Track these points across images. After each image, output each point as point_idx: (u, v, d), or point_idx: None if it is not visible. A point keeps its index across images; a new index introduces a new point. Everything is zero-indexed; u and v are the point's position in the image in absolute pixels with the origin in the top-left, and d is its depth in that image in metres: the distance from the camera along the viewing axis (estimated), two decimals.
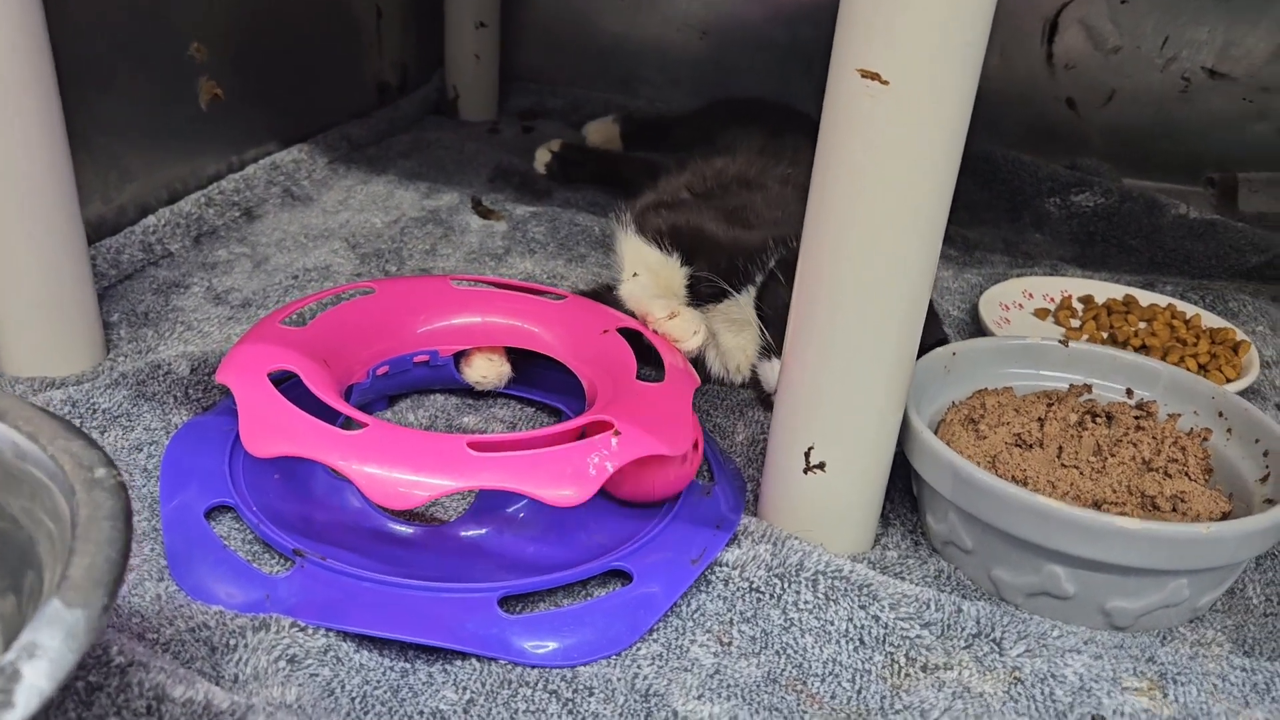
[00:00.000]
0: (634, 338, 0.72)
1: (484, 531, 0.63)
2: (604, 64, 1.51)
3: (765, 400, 0.80)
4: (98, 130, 0.88)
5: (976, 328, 0.95)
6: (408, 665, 0.54)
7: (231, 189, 1.03)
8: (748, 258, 0.80)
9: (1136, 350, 0.89)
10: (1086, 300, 0.99)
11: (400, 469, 0.54)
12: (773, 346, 0.77)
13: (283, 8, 1.12)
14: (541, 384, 0.78)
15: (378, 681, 0.52)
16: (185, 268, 0.93)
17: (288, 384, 0.62)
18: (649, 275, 0.78)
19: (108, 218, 0.91)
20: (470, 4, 1.40)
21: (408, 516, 0.63)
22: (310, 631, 0.53)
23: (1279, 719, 0.54)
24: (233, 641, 0.52)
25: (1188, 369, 0.86)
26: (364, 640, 0.54)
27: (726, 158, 0.94)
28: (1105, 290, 1.00)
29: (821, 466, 0.63)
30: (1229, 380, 0.85)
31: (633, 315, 0.76)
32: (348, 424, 0.68)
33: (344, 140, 1.22)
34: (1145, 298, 0.99)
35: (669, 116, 1.29)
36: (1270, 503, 0.63)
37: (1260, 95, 1.33)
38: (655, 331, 0.72)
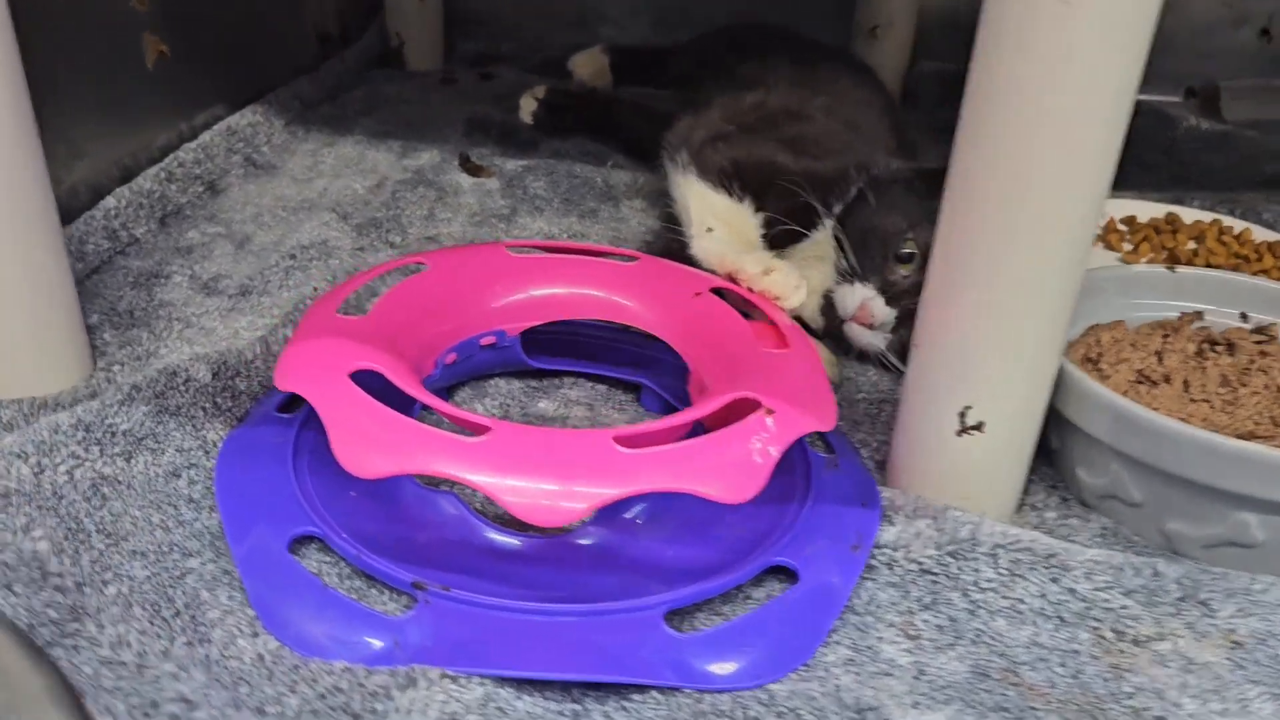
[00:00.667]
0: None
1: (603, 537, 0.55)
2: (556, 1, 1.40)
3: (834, 334, 0.73)
4: (37, 99, 0.74)
5: None
6: (578, 707, 0.45)
7: (191, 160, 0.90)
8: (827, 188, 0.73)
9: None
10: (1129, 221, 0.95)
11: (550, 478, 0.46)
12: (856, 269, 0.70)
13: None
14: (606, 357, 0.70)
15: None
16: (158, 255, 0.80)
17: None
18: (722, 227, 0.70)
19: (59, 200, 0.77)
20: None
21: (518, 526, 0.55)
22: (463, 681, 0.44)
23: None
24: (379, 706, 0.43)
25: None
26: (522, 683, 0.46)
27: (759, 92, 0.86)
28: (1144, 210, 0.96)
29: (979, 427, 0.56)
30: None
31: (712, 274, 0.68)
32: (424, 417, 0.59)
33: (296, 99, 1.09)
34: (1186, 215, 0.95)
35: (663, 47, 1.18)
36: None
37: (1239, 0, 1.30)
38: (751, 290, 0.64)
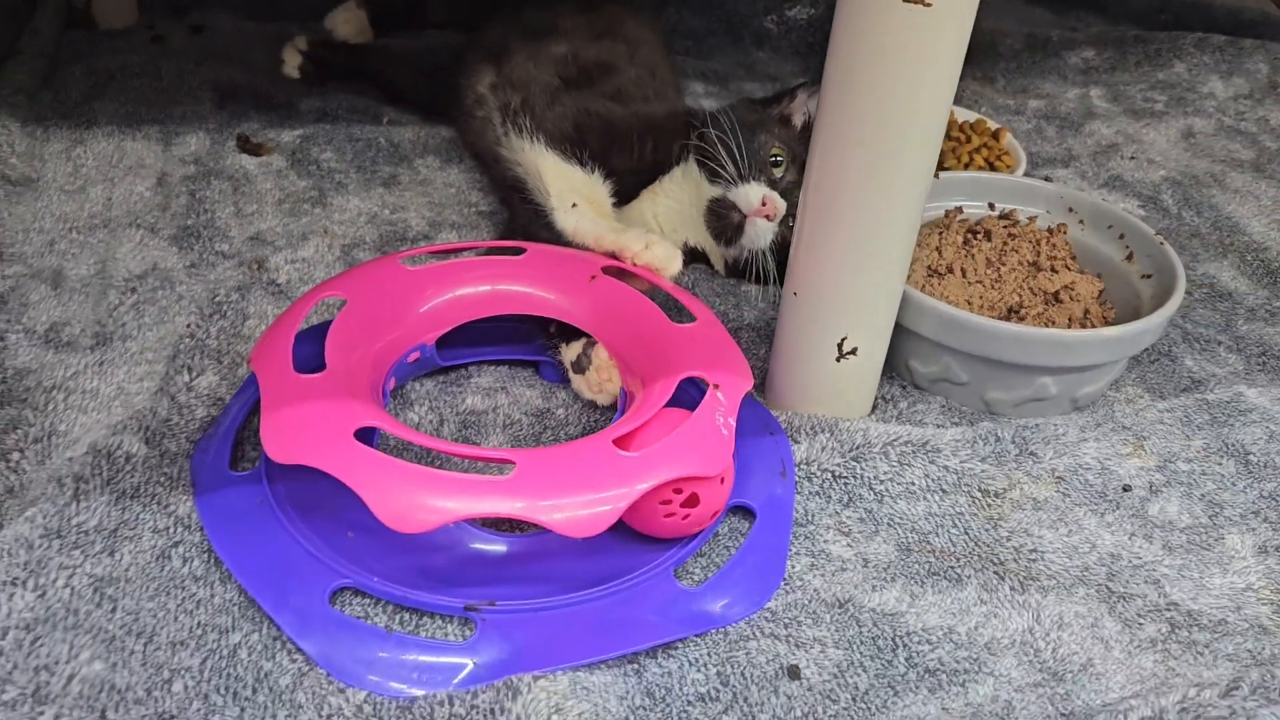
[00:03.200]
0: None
1: None
2: None
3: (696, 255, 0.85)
4: None
5: None
6: (637, 665, 0.55)
7: None
8: (675, 133, 0.81)
9: None
10: None
11: (582, 493, 0.53)
12: (746, 170, 0.80)
13: None
14: (502, 340, 0.75)
15: (627, 693, 0.53)
16: None
17: None
18: (583, 201, 0.76)
19: None
20: None
21: (502, 528, 0.61)
22: (551, 677, 0.52)
23: (1211, 439, 0.72)
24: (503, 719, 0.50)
25: (980, 168, 1.00)
26: (591, 665, 0.54)
27: (562, 43, 0.90)
28: None
29: (854, 352, 0.69)
30: (1009, 169, 1.01)
31: (581, 249, 0.74)
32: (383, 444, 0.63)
33: (20, 93, 0.99)
34: None
35: None
36: (1146, 277, 0.79)
37: None
38: (634, 264, 0.72)
